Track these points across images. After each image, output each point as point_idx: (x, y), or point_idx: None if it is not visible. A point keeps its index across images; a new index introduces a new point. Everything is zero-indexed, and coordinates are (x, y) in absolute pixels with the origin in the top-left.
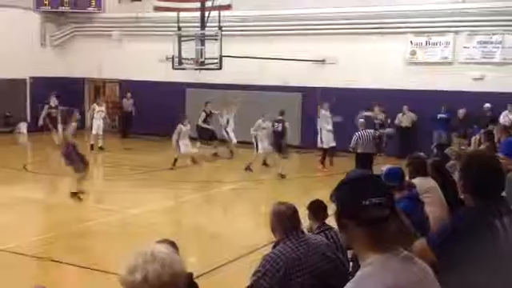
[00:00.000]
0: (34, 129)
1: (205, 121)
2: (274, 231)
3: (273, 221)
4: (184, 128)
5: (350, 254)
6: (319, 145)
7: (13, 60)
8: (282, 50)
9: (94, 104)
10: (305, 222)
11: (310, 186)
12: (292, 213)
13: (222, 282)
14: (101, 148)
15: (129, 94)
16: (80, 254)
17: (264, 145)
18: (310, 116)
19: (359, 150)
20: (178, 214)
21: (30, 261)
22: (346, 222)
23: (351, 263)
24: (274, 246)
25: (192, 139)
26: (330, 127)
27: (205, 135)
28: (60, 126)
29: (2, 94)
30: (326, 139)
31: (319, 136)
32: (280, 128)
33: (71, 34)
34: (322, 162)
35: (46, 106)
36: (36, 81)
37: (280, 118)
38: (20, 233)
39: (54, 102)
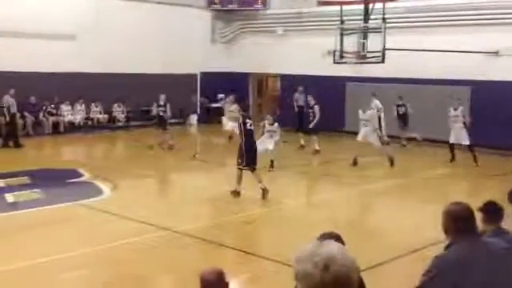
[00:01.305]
0: (203, 120)
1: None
2: (446, 232)
3: (446, 221)
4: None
5: None
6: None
7: (186, 56)
8: (447, 41)
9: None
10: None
11: (480, 186)
12: (468, 214)
13: (382, 280)
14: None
15: (300, 88)
16: (243, 240)
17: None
18: (479, 111)
19: None
20: (335, 207)
21: (202, 243)
22: None
23: None
24: (447, 248)
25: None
26: (457, 125)
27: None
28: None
29: (176, 88)
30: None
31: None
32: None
33: (238, 31)
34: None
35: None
36: (205, 76)
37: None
38: (194, 217)
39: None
